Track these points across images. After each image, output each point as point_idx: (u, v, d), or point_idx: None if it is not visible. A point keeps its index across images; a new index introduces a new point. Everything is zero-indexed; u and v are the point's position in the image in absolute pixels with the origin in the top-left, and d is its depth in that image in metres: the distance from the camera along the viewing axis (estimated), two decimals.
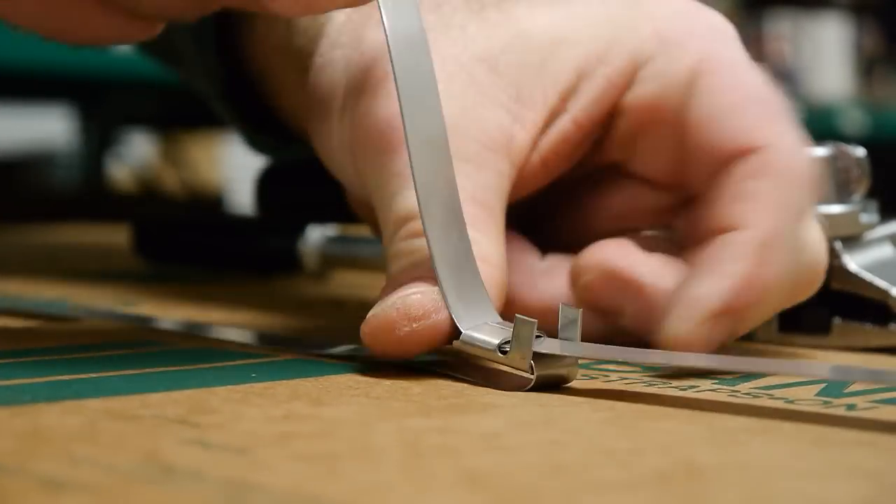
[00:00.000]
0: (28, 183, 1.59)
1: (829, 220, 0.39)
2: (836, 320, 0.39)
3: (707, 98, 0.34)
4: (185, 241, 0.57)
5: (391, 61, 0.31)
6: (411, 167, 0.31)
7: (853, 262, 0.39)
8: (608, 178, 0.37)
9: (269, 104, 0.43)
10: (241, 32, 0.42)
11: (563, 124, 0.35)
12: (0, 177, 1.58)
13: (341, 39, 0.36)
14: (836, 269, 0.39)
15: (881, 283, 0.38)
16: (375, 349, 0.31)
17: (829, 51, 2.11)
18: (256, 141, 0.47)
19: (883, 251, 0.40)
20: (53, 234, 0.80)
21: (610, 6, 0.36)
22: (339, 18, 0.37)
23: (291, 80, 0.40)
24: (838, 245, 0.39)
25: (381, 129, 0.34)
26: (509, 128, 0.34)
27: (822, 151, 0.39)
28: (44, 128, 1.70)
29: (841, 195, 0.39)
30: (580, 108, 0.35)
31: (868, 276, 0.38)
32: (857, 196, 0.39)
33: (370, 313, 0.31)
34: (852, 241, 0.39)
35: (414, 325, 0.30)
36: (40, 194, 1.54)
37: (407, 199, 0.33)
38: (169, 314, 0.40)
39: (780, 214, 0.33)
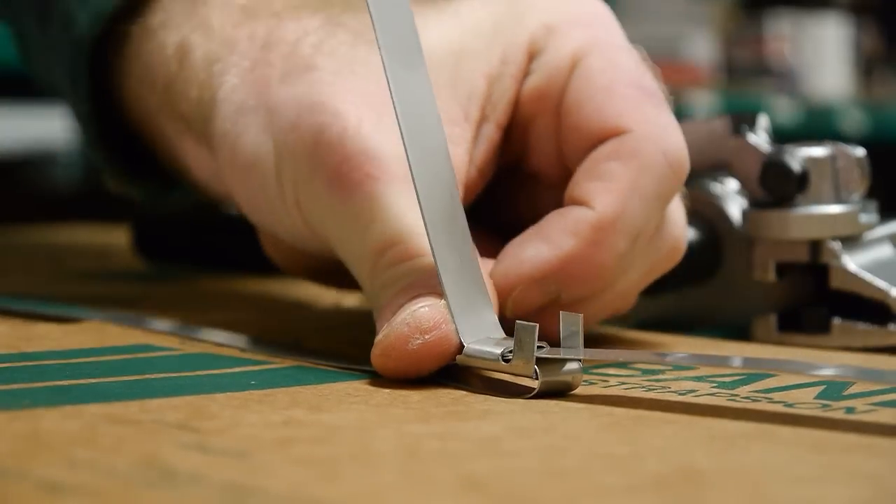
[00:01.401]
0: (28, 183, 1.59)
1: (828, 219, 0.39)
2: (836, 320, 0.39)
3: (581, 82, 0.35)
4: (184, 239, 0.57)
5: (385, 74, 0.31)
6: (413, 180, 0.31)
7: (852, 262, 0.39)
8: (516, 178, 0.38)
9: (147, 152, 0.43)
10: (116, 87, 0.41)
11: (489, 132, 0.35)
12: (0, 176, 1.58)
13: (248, 104, 0.36)
14: (835, 268, 0.39)
15: (881, 283, 0.38)
16: (388, 369, 0.31)
17: (828, 51, 2.11)
18: (130, 186, 0.46)
19: (883, 251, 0.40)
20: (54, 233, 0.80)
21: (494, 6, 0.36)
22: (232, 81, 0.36)
23: (188, 146, 0.39)
24: (837, 245, 0.39)
25: (335, 174, 0.33)
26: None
27: (820, 151, 0.39)
28: (44, 128, 1.70)
29: (840, 195, 0.39)
30: (499, 113, 0.35)
31: (867, 277, 0.38)
32: (857, 196, 0.39)
33: (378, 338, 0.31)
34: (852, 240, 0.39)
35: (426, 337, 0.30)
36: (41, 194, 1.54)
37: (380, 229, 0.33)
38: (169, 314, 0.39)
39: (629, 198, 0.33)
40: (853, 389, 0.30)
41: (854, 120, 1.94)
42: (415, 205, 0.32)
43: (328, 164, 0.34)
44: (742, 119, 0.41)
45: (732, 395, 0.30)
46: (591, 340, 0.31)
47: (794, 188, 0.39)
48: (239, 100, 0.36)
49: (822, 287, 0.39)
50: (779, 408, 0.28)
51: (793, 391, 0.30)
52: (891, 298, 0.38)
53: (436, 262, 0.30)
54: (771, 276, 0.39)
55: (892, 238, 0.41)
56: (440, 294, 0.31)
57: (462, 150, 0.35)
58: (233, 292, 0.50)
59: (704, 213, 0.41)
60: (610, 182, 0.33)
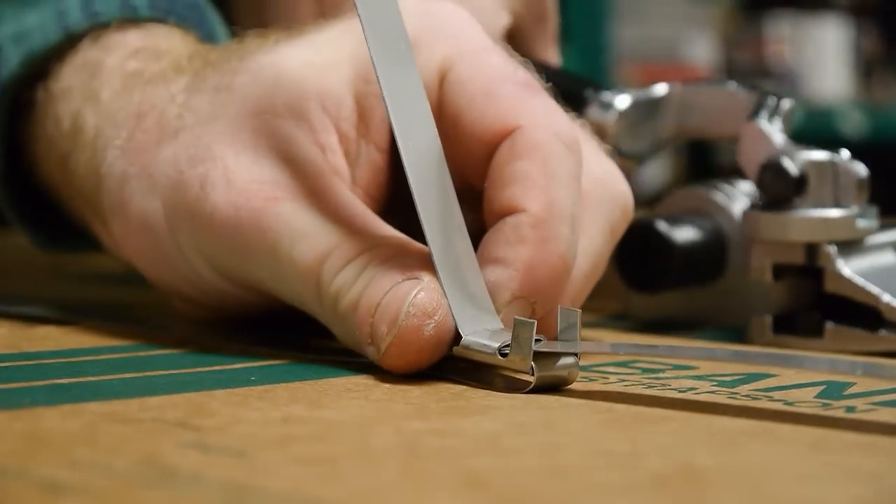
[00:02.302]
0: None
1: (824, 223, 0.39)
2: (829, 325, 0.38)
3: (454, 93, 0.34)
4: None
5: (374, 69, 0.31)
6: (406, 174, 0.31)
7: (847, 266, 0.38)
8: None
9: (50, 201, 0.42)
10: (25, 131, 0.41)
11: (369, 153, 0.35)
12: None
13: (129, 172, 0.36)
14: (829, 272, 0.38)
15: (872, 288, 0.38)
16: (408, 363, 0.30)
17: (828, 53, 2.11)
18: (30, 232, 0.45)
19: (883, 257, 0.40)
20: None
21: (354, 30, 0.35)
22: (113, 154, 0.36)
23: (87, 219, 0.39)
24: (832, 249, 0.38)
25: (235, 211, 0.33)
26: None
27: (822, 155, 0.39)
28: None
29: (839, 200, 0.39)
30: (377, 133, 0.35)
31: (860, 281, 0.38)
32: (855, 203, 0.39)
33: (385, 341, 0.30)
34: (851, 245, 0.39)
35: (436, 319, 0.30)
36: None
37: (309, 243, 0.32)
38: (169, 314, 0.39)
39: (550, 187, 0.33)
40: (853, 389, 0.30)
41: (854, 121, 1.94)
42: (328, 212, 0.32)
43: (224, 206, 0.33)
44: (763, 102, 0.41)
45: (732, 393, 0.30)
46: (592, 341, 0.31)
47: (790, 191, 0.39)
48: (120, 170, 0.36)
49: (816, 291, 0.39)
50: (779, 406, 0.28)
51: (793, 390, 0.30)
52: (882, 304, 0.38)
53: (431, 256, 0.31)
54: (767, 277, 0.39)
55: (894, 245, 0.41)
56: (414, 273, 0.31)
57: (339, 159, 0.34)
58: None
59: (711, 214, 0.41)
60: (526, 181, 0.33)
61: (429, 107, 0.32)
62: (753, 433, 0.26)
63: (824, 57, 2.11)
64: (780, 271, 0.39)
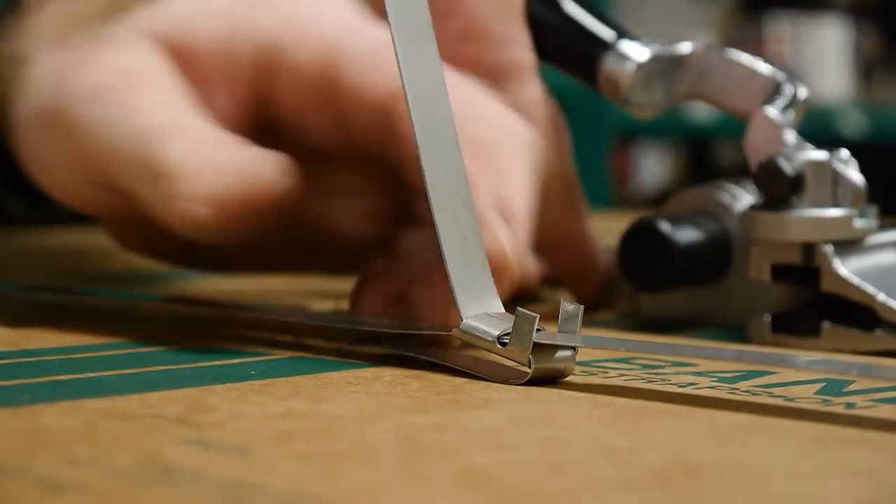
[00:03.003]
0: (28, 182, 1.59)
1: (821, 223, 0.39)
2: (826, 324, 0.38)
3: (351, 59, 0.36)
4: None
5: (395, 51, 0.31)
6: (419, 156, 0.31)
7: (844, 266, 0.38)
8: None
9: None
10: None
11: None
12: None
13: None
14: (825, 272, 0.38)
15: (868, 287, 0.38)
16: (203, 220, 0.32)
17: (828, 53, 2.11)
18: None
19: (883, 257, 0.40)
20: (53, 235, 0.80)
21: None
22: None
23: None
24: (829, 248, 0.38)
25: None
26: None
27: (821, 154, 0.39)
28: None
29: (837, 199, 0.39)
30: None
31: (856, 281, 0.38)
32: (853, 206, 0.39)
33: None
34: (848, 245, 0.39)
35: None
36: (40, 194, 1.54)
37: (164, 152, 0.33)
38: (169, 314, 0.39)
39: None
40: (853, 385, 0.30)
41: (854, 122, 1.94)
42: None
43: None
44: (780, 89, 0.41)
45: (732, 388, 0.30)
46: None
47: (786, 191, 0.39)
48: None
49: (814, 291, 0.39)
50: (779, 402, 0.28)
51: (793, 387, 0.30)
52: (877, 303, 0.37)
53: (439, 238, 0.31)
54: (766, 276, 0.39)
55: (895, 244, 0.41)
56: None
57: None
58: (233, 291, 0.50)
59: (716, 214, 0.41)
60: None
61: (446, 89, 0.32)
62: (753, 428, 0.26)
63: (824, 57, 2.11)
64: (778, 271, 0.39)
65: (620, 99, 0.43)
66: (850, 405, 0.28)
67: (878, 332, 0.37)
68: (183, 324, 0.39)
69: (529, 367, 0.29)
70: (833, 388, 0.30)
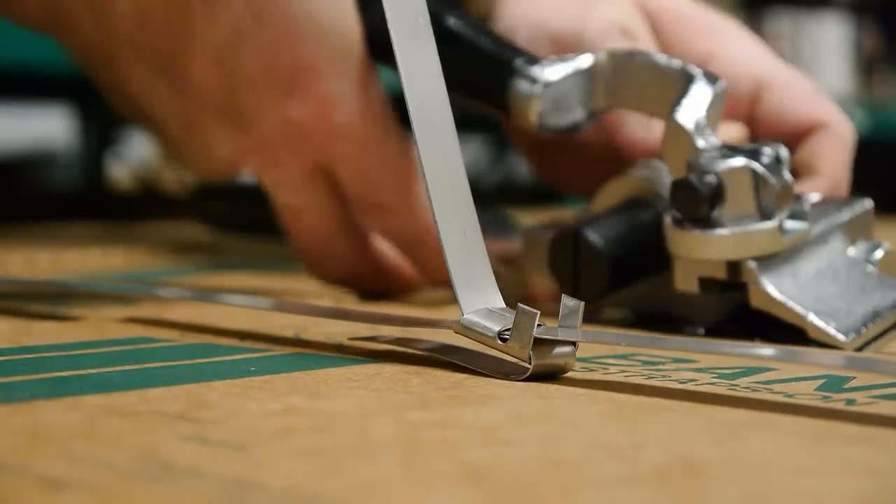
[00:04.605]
0: (28, 183, 1.59)
1: (745, 239, 0.37)
2: (756, 340, 0.38)
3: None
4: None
5: (393, 48, 0.31)
6: (417, 152, 0.31)
7: (772, 280, 0.37)
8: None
9: None
10: None
11: None
12: (0, 176, 1.58)
13: None
14: (752, 289, 0.37)
15: (797, 308, 0.37)
16: None
17: (828, 50, 2.11)
18: None
19: (816, 257, 0.38)
20: (53, 233, 0.80)
21: None
22: None
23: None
24: (754, 265, 0.37)
25: None
26: None
27: (739, 161, 0.37)
28: (44, 127, 1.70)
29: (762, 208, 0.37)
30: None
31: (784, 300, 0.37)
32: (780, 211, 0.37)
33: None
34: (776, 255, 0.37)
35: None
36: (40, 194, 1.54)
37: None
38: (169, 314, 0.39)
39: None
40: (854, 382, 0.30)
41: (854, 119, 1.94)
42: None
43: None
44: (687, 89, 0.39)
45: (732, 384, 0.30)
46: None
47: (704, 209, 0.37)
48: None
49: (743, 305, 0.38)
50: (779, 398, 0.28)
51: (793, 383, 0.30)
52: (807, 324, 0.36)
53: (439, 235, 0.31)
54: (694, 289, 0.38)
55: (840, 226, 0.39)
56: None
57: None
58: (234, 288, 0.50)
59: (651, 202, 0.40)
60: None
61: (444, 86, 0.32)
62: (754, 425, 0.26)
63: (824, 54, 2.11)
64: (706, 283, 0.38)
65: (533, 123, 0.41)
66: (850, 401, 0.28)
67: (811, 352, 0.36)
68: (183, 321, 0.39)
69: (530, 363, 0.29)
70: (833, 384, 0.30)
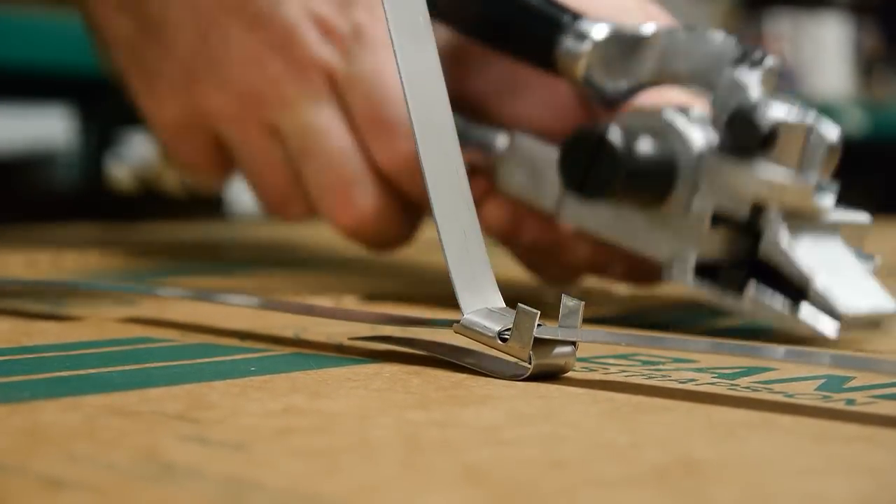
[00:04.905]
0: (28, 183, 1.59)
1: (778, 186, 0.37)
2: (752, 287, 0.37)
3: None
4: None
5: (394, 49, 0.31)
6: (417, 150, 0.31)
7: (786, 237, 0.37)
8: None
9: None
10: None
11: None
12: (0, 176, 1.58)
13: None
14: (767, 238, 0.37)
15: (805, 267, 0.36)
16: None
17: (829, 50, 2.11)
18: None
19: (830, 243, 0.38)
20: (53, 233, 0.80)
21: None
22: None
23: None
24: (775, 214, 0.37)
25: None
26: None
27: (797, 115, 0.37)
28: (44, 128, 1.70)
29: (802, 165, 0.37)
30: None
31: (795, 255, 0.36)
32: (819, 174, 0.37)
33: None
34: (799, 217, 0.37)
35: None
36: (40, 194, 1.54)
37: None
38: (169, 314, 0.39)
39: None
40: (854, 382, 0.30)
41: (854, 119, 1.94)
42: None
43: None
44: (747, 54, 0.39)
45: (732, 384, 0.30)
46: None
47: (756, 144, 0.37)
48: None
49: (750, 251, 0.38)
50: (779, 398, 0.28)
51: (793, 383, 0.30)
52: (812, 287, 0.36)
53: (439, 234, 0.31)
54: (706, 221, 0.38)
55: (848, 224, 0.39)
56: None
57: None
58: (234, 288, 0.50)
59: (669, 138, 0.40)
60: None
61: (444, 86, 0.32)
62: (753, 425, 0.26)
63: (824, 54, 2.11)
64: (720, 220, 0.38)
65: (579, 79, 0.41)
66: (850, 401, 0.28)
67: (804, 313, 0.36)
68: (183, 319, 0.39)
69: (530, 363, 0.29)
70: (833, 384, 0.30)
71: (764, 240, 0.37)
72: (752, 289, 0.37)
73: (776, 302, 0.37)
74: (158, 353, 0.33)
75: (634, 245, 0.41)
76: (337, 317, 0.35)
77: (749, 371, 0.31)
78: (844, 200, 0.39)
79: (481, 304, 0.31)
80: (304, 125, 0.46)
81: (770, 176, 0.37)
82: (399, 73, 0.31)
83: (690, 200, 0.39)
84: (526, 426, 0.25)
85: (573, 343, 0.30)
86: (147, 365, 0.31)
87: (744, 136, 0.37)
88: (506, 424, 0.25)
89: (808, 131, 0.37)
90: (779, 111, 0.38)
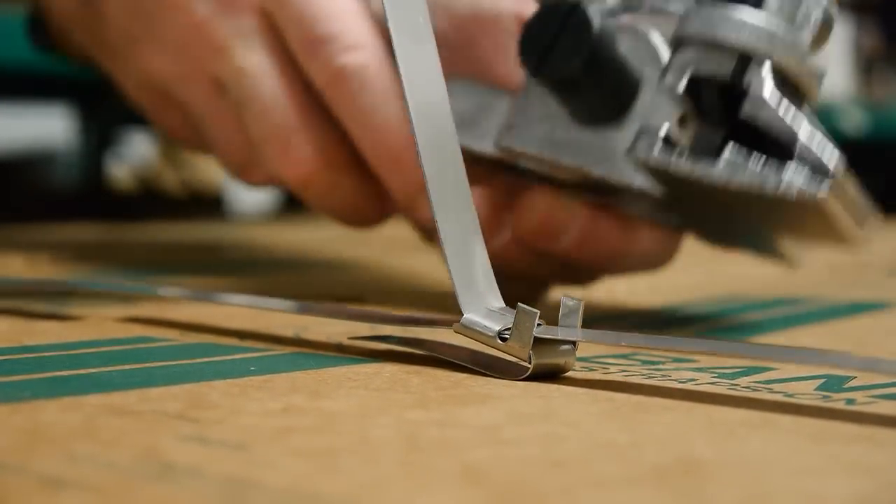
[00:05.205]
0: (28, 182, 1.59)
1: (769, 33, 0.33)
2: (729, 149, 0.33)
3: None
4: None
5: (393, 48, 0.31)
6: (416, 148, 0.31)
7: (775, 92, 0.33)
8: None
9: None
10: None
11: None
12: (0, 176, 1.58)
13: None
14: (753, 94, 0.33)
15: (791, 122, 0.33)
16: None
17: (828, 50, 2.11)
18: None
19: (801, 118, 0.34)
20: (53, 233, 0.80)
21: None
22: None
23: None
24: (766, 68, 0.33)
25: None
26: None
27: None
28: (44, 127, 1.70)
29: (795, 19, 0.34)
30: None
31: (782, 110, 0.33)
32: (811, 38, 0.34)
33: None
34: (784, 81, 0.34)
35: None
36: (40, 194, 1.54)
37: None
38: (169, 314, 0.40)
39: None
40: (854, 382, 0.30)
41: (854, 119, 1.94)
42: None
43: None
44: None
45: (732, 384, 0.30)
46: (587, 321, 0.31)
47: None
48: None
49: (730, 111, 0.34)
50: (779, 398, 0.28)
51: (793, 382, 0.30)
52: (798, 141, 0.32)
53: (439, 234, 0.31)
54: (680, 84, 0.34)
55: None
56: None
57: None
58: (233, 288, 0.50)
59: (632, 52, 0.37)
60: None
61: (444, 85, 0.32)
62: (753, 424, 0.26)
63: (824, 54, 2.11)
64: (696, 86, 0.34)
65: None
66: (850, 401, 0.28)
67: (788, 175, 0.32)
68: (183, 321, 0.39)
69: (530, 363, 0.29)
70: (833, 383, 0.30)
71: (750, 94, 0.33)
72: (730, 150, 0.33)
73: (756, 163, 0.33)
74: (158, 353, 0.33)
75: (583, 163, 0.37)
76: (337, 316, 0.35)
77: (749, 371, 0.31)
78: None
79: (481, 303, 0.31)
80: (239, 69, 0.44)
81: (763, 23, 0.33)
82: (399, 73, 0.31)
83: (662, 71, 0.35)
84: (526, 426, 0.25)
85: (573, 342, 0.30)
86: (147, 364, 0.31)
87: None
88: (506, 424, 0.25)
89: None
90: None
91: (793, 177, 0.33)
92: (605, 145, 0.37)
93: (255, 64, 0.43)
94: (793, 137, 0.33)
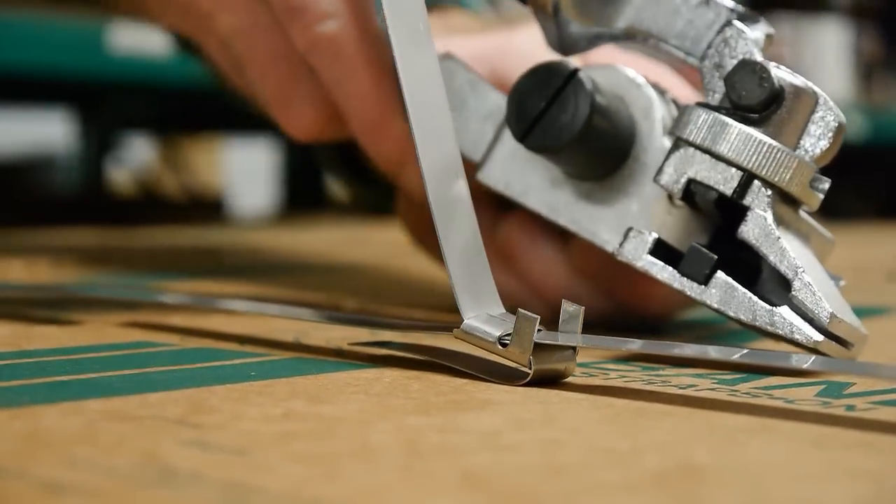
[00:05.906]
0: (28, 186, 1.59)
1: (776, 155, 0.32)
2: (721, 274, 0.32)
3: None
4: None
5: (393, 52, 0.31)
6: (416, 151, 0.31)
7: (771, 226, 0.32)
8: None
9: None
10: None
11: None
12: (0, 180, 1.58)
13: None
14: (754, 215, 0.32)
15: (794, 259, 0.31)
16: None
17: (828, 55, 2.11)
18: None
19: (803, 248, 0.33)
20: (53, 237, 0.80)
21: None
22: None
23: None
24: (769, 192, 0.32)
25: None
26: None
27: (809, 85, 0.33)
28: (44, 131, 1.70)
29: (801, 142, 0.32)
30: None
31: (785, 244, 0.32)
32: (816, 161, 0.33)
33: None
34: (787, 204, 0.33)
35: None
36: (40, 198, 1.54)
37: None
38: (169, 319, 0.39)
39: None
40: (853, 388, 0.30)
41: (854, 124, 1.94)
42: None
43: None
44: (744, 15, 0.34)
45: (733, 390, 0.30)
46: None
47: (760, 99, 0.32)
48: None
49: (728, 230, 0.33)
50: (779, 404, 0.28)
51: (793, 389, 0.30)
52: (799, 279, 0.31)
53: (440, 240, 0.31)
54: (676, 190, 0.32)
55: (819, 236, 0.35)
56: None
57: None
58: (233, 293, 0.50)
59: (632, 103, 0.35)
60: None
61: (444, 92, 0.32)
62: (753, 430, 0.26)
63: (824, 59, 2.11)
64: (692, 193, 0.33)
65: (549, 13, 0.35)
66: (850, 407, 0.28)
67: (778, 319, 0.32)
68: (182, 321, 0.39)
69: (530, 368, 0.29)
70: (833, 390, 0.30)
71: (750, 219, 0.32)
72: (722, 276, 0.32)
73: (751, 297, 0.32)
74: (158, 358, 0.33)
75: (561, 219, 0.36)
76: (337, 321, 0.35)
77: (749, 377, 0.31)
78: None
79: (481, 309, 0.31)
80: (234, 30, 0.44)
81: (774, 142, 0.32)
82: (399, 74, 0.31)
83: (641, 175, 0.34)
84: (526, 431, 0.25)
85: (573, 348, 0.30)
86: (147, 369, 0.31)
87: (747, 90, 0.32)
88: (506, 429, 0.25)
89: (817, 101, 0.33)
90: (785, 74, 0.33)
91: (787, 319, 0.32)
92: (586, 199, 0.36)
93: (245, 24, 0.44)
94: (794, 274, 0.32)
